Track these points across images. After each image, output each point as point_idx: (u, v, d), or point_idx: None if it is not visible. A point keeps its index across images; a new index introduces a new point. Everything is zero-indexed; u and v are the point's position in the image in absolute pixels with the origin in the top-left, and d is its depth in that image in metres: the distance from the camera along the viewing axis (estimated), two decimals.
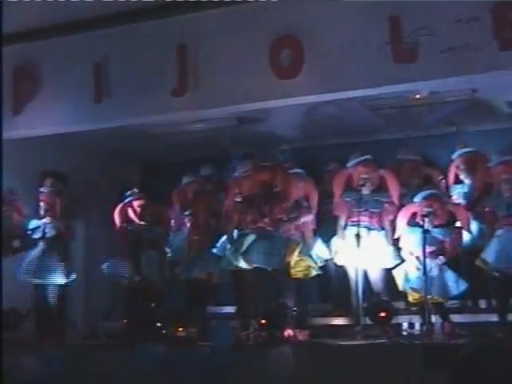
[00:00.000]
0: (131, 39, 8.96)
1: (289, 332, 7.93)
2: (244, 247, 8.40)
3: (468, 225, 8.46)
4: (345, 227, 8.70)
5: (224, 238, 8.99)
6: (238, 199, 8.79)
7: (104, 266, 9.46)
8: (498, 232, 8.15)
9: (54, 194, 9.46)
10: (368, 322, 8.18)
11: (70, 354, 7.77)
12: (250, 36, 8.42)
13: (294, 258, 8.59)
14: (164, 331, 8.30)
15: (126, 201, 9.71)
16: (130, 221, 9.66)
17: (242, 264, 8.45)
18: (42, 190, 9.49)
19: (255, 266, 8.38)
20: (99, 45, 9.08)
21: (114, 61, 9.02)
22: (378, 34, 7.86)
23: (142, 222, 9.58)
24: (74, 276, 9.52)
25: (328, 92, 8.29)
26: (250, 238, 8.44)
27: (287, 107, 8.75)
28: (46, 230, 9.35)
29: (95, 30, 9.10)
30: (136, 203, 9.67)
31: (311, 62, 8.16)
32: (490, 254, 8.08)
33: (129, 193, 9.78)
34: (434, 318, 8.12)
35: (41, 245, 9.36)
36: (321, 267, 9.00)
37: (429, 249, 8.18)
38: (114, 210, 10.23)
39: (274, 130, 9.92)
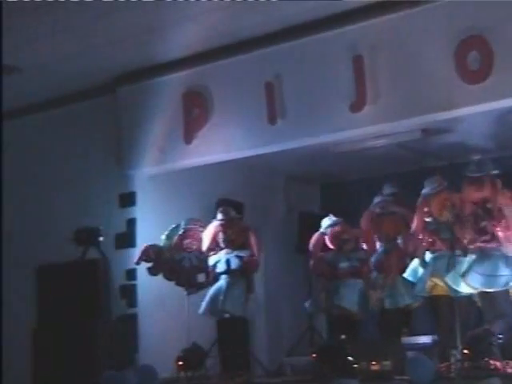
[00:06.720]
0: (303, 54, 8.86)
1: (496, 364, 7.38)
2: (463, 269, 7.92)
3: None
4: None
5: (416, 261, 8.50)
6: (429, 219, 8.32)
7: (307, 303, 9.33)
8: None
9: (231, 223, 9.20)
10: None
11: None
12: (432, 40, 8.15)
13: None
14: (356, 365, 7.82)
15: (323, 230, 9.35)
16: (327, 250, 9.35)
17: (464, 288, 7.94)
18: (218, 220, 9.24)
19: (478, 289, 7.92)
20: (270, 63, 9.01)
21: (286, 78, 8.92)
22: None
23: (339, 251, 9.26)
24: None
25: None
26: (470, 259, 7.94)
27: (477, 114, 8.29)
28: (230, 262, 9.10)
29: (264, 48, 9.08)
30: (332, 230, 9.29)
31: (502, 62, 7.71)
32: None
33: (325, 220, 9.38)
34: None
35: (224, 277, 9.12)
36: None
37: None
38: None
39: (463, 140, 9.41)
